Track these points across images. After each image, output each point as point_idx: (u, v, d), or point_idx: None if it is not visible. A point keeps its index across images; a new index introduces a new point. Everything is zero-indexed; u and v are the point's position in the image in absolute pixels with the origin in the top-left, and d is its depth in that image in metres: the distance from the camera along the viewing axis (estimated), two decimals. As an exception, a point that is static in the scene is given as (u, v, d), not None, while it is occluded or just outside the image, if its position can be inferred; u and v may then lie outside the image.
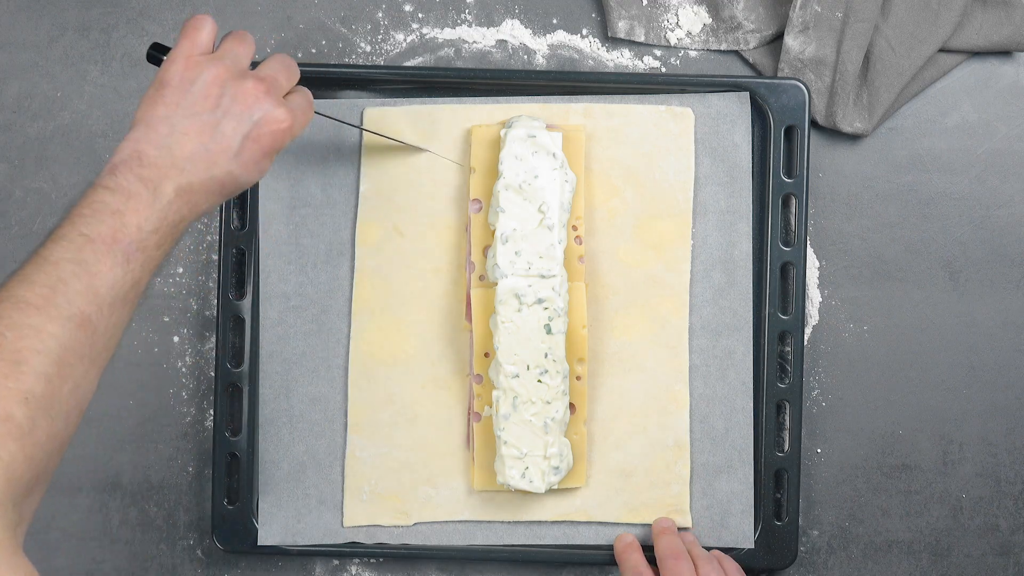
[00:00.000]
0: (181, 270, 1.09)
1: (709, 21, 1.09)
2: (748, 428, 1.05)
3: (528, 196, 1.02)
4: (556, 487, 1.03)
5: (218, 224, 1.07)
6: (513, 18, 1.10)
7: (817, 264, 1.09)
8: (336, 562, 1.08)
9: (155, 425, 1.09)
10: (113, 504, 1.09)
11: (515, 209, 1.02)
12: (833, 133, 1.08)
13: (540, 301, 1.01)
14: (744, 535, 1.05)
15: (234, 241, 1.06)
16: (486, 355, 1.04)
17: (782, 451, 1.06)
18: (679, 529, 1.05)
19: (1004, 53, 1.09)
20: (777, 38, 1.09)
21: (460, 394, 1.06)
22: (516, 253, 1.01)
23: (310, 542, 1.06)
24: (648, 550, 1.04)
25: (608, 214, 1.06)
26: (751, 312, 1.06)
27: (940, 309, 1.09)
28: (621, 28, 1.08)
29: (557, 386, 1.02)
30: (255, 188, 1.06)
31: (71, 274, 0.76)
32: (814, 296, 1.09)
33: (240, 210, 1.07)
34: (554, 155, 1.02)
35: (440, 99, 1.07)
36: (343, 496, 1.06)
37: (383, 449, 1.06)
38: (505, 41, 1.10)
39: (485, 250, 1.04)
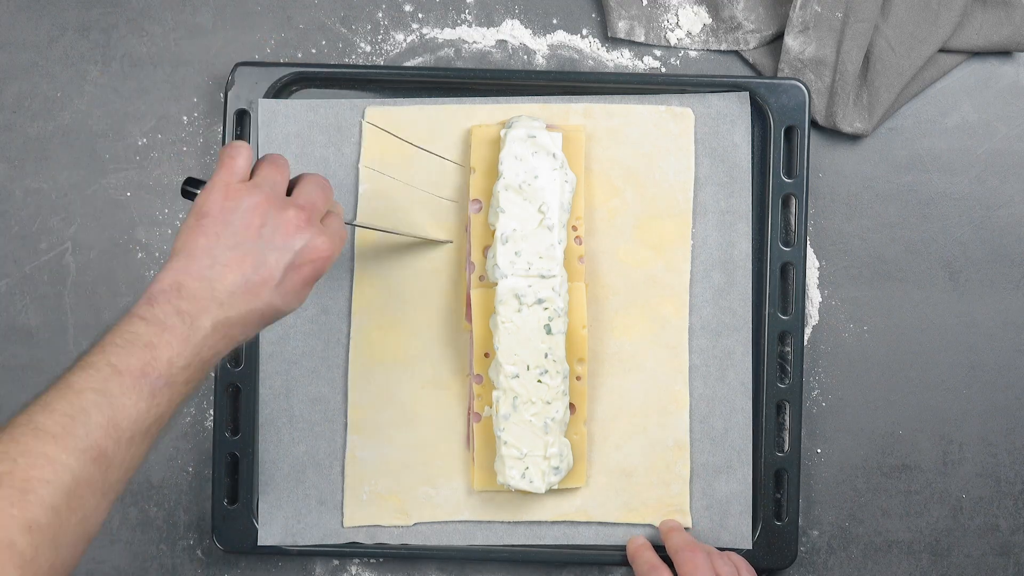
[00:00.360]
0: (181, 270, 1.09)
1: (709, 21, 1.09)
2: (748, 428, 1.05)
3: (528, 196, 1.02)
4: (556, 487, 1.03)
5: (218, 224, 1.07)
6: (513, 18, 1.10)
7: (817, 264, 1.09)
8: (336, 562, 1.08)
9: (155, 425, 1.09)
10: (113, 504, 1.09)
11: (515, 209, 1.02)
12: (833, 133, 1.08)
13: (540, 301, 1.01)
14: (743, 535, 1.05)
15: (234, 241, 1.06)
16: (486, 355, 1.03)
17: (782, 451, 1.06)
18: (679, 529, 1.05)
19: (1004, 53, 1.09)
20: (777, 38, 1.09)
21: (460, 394, 1.06)
22: (516, 253, 1.01)
23: (310, 542, 1.06)
24: (657, 551, 1.03)
25: (608, 214, 1.06)
26: (751, 312, 1.05)
27: (940, 309, 1.09)
28: (621, 28, 1.08)
29: (557, 386, 1.02)
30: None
31: (93, 404, 0.74)
32: (814, 296, 1.08)
33: (240, 210, 1.07)
34: (554, 155, 1.02)
35: (440, 99, 1.06)
36: (343, 496, 1.06)
37: (383, 449, 1.06)
38: (505, 41, 1.10)
39: (485, 250, 1.04)
